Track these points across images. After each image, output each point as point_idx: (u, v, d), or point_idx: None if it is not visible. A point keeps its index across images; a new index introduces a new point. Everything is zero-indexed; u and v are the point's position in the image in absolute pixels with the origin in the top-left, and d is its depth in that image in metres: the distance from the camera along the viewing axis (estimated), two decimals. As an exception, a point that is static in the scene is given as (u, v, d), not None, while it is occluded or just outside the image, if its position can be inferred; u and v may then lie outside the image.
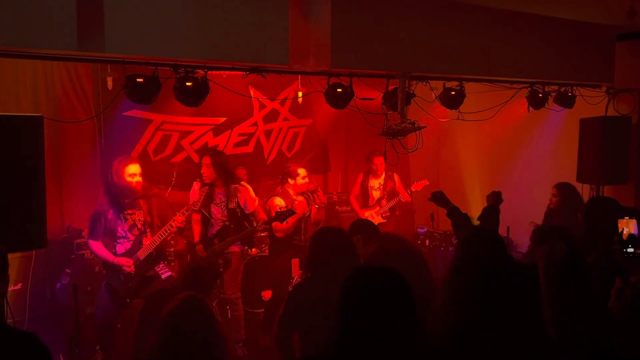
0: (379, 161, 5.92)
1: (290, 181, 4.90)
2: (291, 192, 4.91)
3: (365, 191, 6.13)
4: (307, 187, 4.98)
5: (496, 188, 3.76)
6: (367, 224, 3.66)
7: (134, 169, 4.10)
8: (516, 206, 6.15)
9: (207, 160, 4.56)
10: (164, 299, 3.14)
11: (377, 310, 1.66)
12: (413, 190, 5.98)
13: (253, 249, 5.58)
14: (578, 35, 5.07)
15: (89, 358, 4.22)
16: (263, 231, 5.08)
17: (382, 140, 4.34)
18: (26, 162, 3.02)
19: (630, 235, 2.43)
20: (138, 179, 4.12)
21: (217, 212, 4.63)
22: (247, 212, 4.63)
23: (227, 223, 4.61)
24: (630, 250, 2.40)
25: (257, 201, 4.70)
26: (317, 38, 3.92)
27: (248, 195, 4.62)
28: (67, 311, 4.81)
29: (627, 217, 2.58)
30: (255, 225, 4.62)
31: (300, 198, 4.94)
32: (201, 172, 4.57)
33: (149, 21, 3.24)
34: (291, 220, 4.67)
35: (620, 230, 2.51)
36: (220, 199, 4.60)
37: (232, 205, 4.56)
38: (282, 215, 4.49)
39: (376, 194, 6.09)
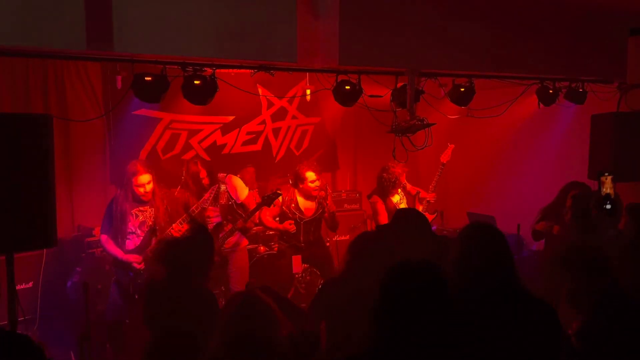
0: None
1: (301, 185, 4.80)
2: (300, 198, 4.84)
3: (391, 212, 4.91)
4: (318, 192, 4.77)
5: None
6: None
7: (143, 179, 4.14)
8: (526, 203, 6.12)
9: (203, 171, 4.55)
10: None
11: (421, 307, 1.64)
12: (443, 161, 5.23)
13: (261, 247, 5.58)
14: (589, 30, 5.01)
15: (99, 355, 4.25)
16: (258, 224, 5.10)
17: (391, 137, 4.32)
18: (36, 161, 3.02)
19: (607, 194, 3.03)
20: (148, 187, 4.15)
21: (212, 212, 4.64)
22: (238, 202, 4.60)
23: (221, 220, 4.64)
24: (608, 206, 3.02)
25: (247, 191, 4.69)
26: (325, 35, 3.90)
27: (236, 183, 4.63)
28: (78, 309, 4.83)
29: (607, 174, 3.13)
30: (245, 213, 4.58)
31: (309, 203, 4.84)
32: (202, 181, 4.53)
33: (157, 20, 3.25)
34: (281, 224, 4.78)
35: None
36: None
37: (223, 201, 4.58)
38: (268, 199, 4.51)
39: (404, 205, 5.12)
